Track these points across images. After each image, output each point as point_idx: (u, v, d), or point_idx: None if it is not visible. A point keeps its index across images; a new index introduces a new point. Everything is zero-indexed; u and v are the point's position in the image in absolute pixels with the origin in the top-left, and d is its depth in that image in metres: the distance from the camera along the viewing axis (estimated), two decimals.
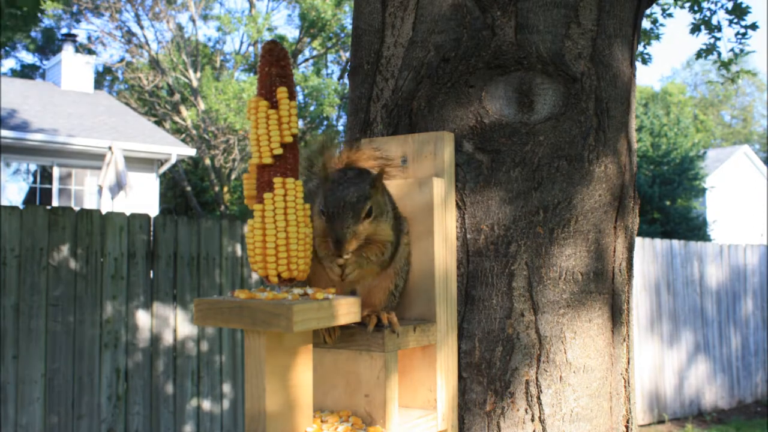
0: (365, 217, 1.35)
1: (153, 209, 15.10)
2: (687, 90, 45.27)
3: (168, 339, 5.61)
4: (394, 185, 1.54)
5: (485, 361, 1.57)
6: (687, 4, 5.48)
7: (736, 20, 5.28)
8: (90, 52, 22.26)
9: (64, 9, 23.84)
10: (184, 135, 22.79)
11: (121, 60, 24.27)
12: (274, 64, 1.32)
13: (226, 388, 5.91)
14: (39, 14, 5.07)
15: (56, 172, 14.60)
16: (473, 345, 1.58)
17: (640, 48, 5.83)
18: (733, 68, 5.80)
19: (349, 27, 21.62)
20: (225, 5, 50.73)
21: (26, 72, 29.60)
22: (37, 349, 5.02)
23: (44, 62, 28.28)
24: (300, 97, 23.31)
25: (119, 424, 5.31)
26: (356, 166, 1.47)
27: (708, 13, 5.42)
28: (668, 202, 18.55)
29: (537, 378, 1.57)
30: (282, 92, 1.30)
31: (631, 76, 1.80)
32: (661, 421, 8.61)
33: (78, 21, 25.36)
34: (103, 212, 5.37)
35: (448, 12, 1.67)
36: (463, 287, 1.59)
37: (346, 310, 1.25)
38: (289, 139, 1.29)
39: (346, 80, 22.37)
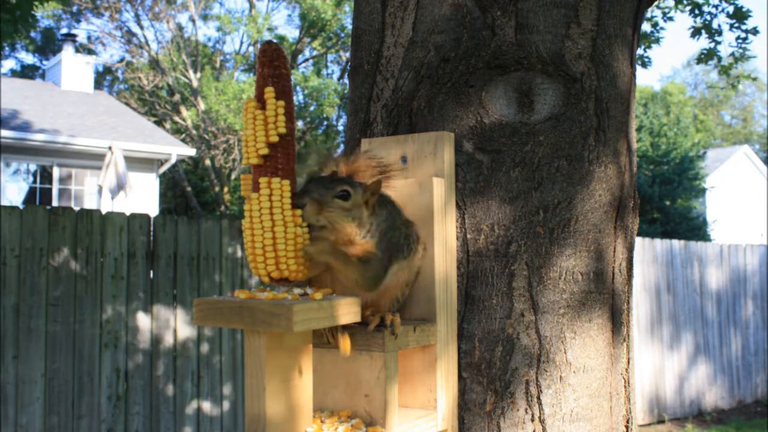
0: (338, 197, 1.33)
1: (153, 209, 15.09)
2: (687, 90, 45.29)
3: (168, 339, 5.60)
4: (393, 187, 1.54)
5: (485, 361, 1.57)
6: (687, 8, 5.47)
7: (736, 24, 5.28)
8: (90, 52, 22.25)
9: (64, 9, 23.84)
10: (184, 135, 22.79)
11: (121, 60, 24.29)
12: (266, 65, 1.32)
13: (226, 388, 5.91)
14: (31, 19, 5.04)
15: (56, 172, 14.59)
16: (473, 345, 1.58)
17: (640, 51, 5.83)
18: (734, 72, 5.80)
19: (349, 27, 21.61)
20: (225, 5, 50.76)
21: (26, 72, 29.59)
22: (37, 349, 5.02)
23: (44, 62, 28.26)
24: (300, 97, 23.31)
25: (119, 424, 5.31)
26: (356, 180, 1.44)
27: (708, 17, 5.41)
28: (668, 202, 18.55)
29: (537, 378, 1.57)
30: (269, 92, 1.29)
31: (631, 76, 1.80)
32: (661, 421, 8.61)
33: (78, 21, 25.38)
34: (103, 212, 5.37)
35: (448, 12, 1.67)
36: (463, 287, 1.59)
37: (346, 310, 1.25)
38: (275, 139, 1.28)
39: (346, 80, 22.38)
